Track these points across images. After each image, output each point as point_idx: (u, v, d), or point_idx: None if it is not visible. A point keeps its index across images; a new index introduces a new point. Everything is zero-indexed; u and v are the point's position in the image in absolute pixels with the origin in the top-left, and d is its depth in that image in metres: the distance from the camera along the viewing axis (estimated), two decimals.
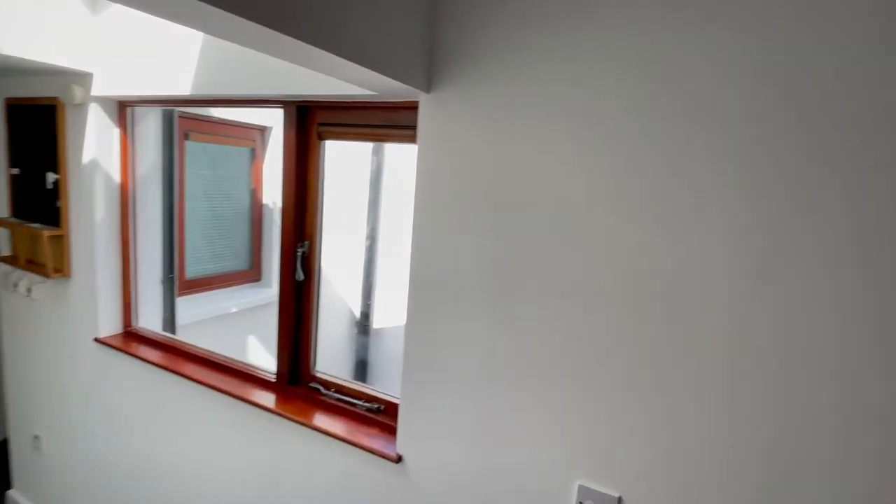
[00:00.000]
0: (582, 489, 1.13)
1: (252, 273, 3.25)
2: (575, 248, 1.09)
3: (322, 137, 1.58)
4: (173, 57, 1.67)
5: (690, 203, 0.98)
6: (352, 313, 4.18)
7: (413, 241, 1.30)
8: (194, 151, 2.80)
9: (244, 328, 3.13)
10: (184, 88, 1.66)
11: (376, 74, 1.02)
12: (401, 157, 3.87)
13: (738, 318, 0.96)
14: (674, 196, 0.99)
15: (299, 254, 1.67)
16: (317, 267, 1.70)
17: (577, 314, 1.10)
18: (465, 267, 1.23)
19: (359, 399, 1.63)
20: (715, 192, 0.96)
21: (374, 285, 4.24)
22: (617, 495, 1.10)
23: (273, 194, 3.25)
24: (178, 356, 2.01)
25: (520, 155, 1.13)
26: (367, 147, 3.88)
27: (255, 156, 3.14)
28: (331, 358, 3.71)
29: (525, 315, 1.16)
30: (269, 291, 3.28)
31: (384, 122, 1.43)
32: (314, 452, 1.58)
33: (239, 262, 3.18)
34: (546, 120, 1.09)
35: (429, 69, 1.21)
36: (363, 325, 4.21)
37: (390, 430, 1.51)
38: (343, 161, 3.37)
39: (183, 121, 2.60)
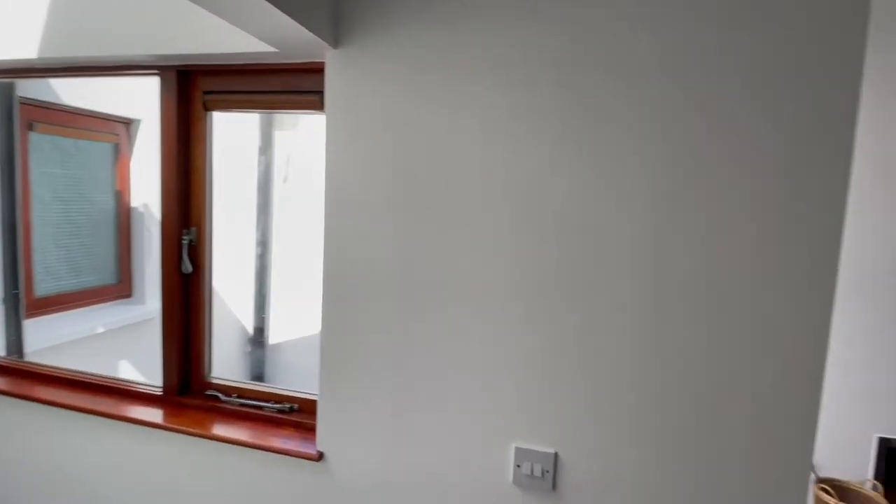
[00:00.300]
0: (519, 451, 1.10)
1: (121, 288, 2.83)
2: (494, 227, 1.07)
3: (209, 108, 1.40)
4: (11, 12, 1.39)
5: (612, 167, 1.01)
6: (244, 329, 3.84)
7: (326, 223, 1.19)
8: (41, 146, 2.37)
9: (115, 351, 2.70)
10: (27, 51, 1.38)
11: (277, 13, 0.92)
12: (295, 152, 3.66)
13: (650, 275, 1.00)
14: (591, 156, 1.01)
15: (185, 242, 1.46)
16: (207, 257, 1.51)
17: (496, 294, 1.08)
18: (381, 252, 1.15)
19: (267, 401, 1.46)
20: (633, 154, 0.99)
21: (268, 296, 3.94)
22: (553, 451, 1.09)
23: (145, 196, 2.87)
24: (31, 381, 1.66)
25: (440, 120, 1.09)
26: (253, 145, 3.61)
27: (120, 152, 2.75)
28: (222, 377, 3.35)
29: (443, 298, 1.12)
30: (143, 308, 2.88)
31: (285, 87, 1.31)
32: (219, 464, 1.38)
33: (104, 276, 2.75)
34: (468, 81, 1.07)
35: (336, 18, 1.12)
36: (258, 340, 3.89)
37: (308, 429, 1.37)
38: (227, 159, 3.09)
39: (26, 108, 2.19)
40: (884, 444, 2.75)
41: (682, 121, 0.96)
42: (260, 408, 1.45)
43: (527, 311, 1.08)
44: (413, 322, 1.15)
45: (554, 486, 1.10)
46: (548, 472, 1.09)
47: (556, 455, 1.09)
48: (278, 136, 3.83)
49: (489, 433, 1.13)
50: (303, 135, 3.69)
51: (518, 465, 1.11)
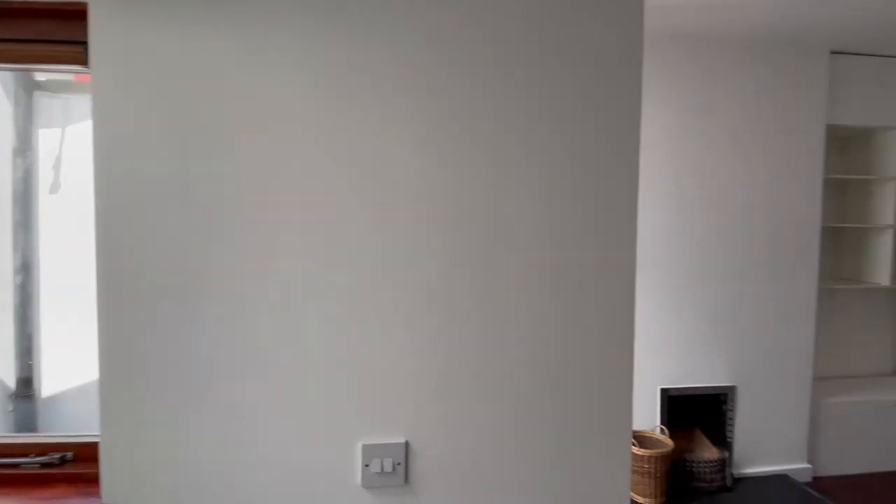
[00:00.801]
0: (366, 448, 1.00)
1: None
2: (315, 203, 0.96)
3: None
4: None
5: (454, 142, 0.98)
6: (2, 384, 2.97)
7: (98, 219, 0.93)
8: None
9: None
10: None
11: None
12: (67, 153, 2.98)
13: (486, 243, 1.00)
14: (434, 129, 0.97)
15: None
16: None
17: (320, 275, 0.97)
18: (176, 249, 0.94)
19: (25, 455, 1.10)
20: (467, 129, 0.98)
21: (36, 337, 3.12)
22: (403, 440, 1.01)
23: None
24: None
25: (256, 80, 0.93)
26: (5, 146, 2.83)
27: None
28: None
29: (258, 291, 0.96)
30: None
31: (34, 35, 1.00)
32: None
33: None
34: (299, 31, 0.93)
35: None
36: (24, 394, 3.04)
37: (89, 480, 1.06)
38: None
39: None
40: (665, 393, 3.33)
41: (514, 99, 0.99)
42: (16, 465, 1.08)
43: (355, 289, 0.98)
44: (221, 323, 0.96)
45: (406, 479, 1.02)
46: (399, 464, 1.01)
47: (406, 444, 1.01)
48: (42, 135, 3.09)
49: (330, 436, 1.00)
50: (78, 131, 3.03)
51: (366, 465, 1.00)
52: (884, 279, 3.58)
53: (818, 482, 3.42)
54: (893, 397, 3.62)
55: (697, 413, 3.44)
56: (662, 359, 3.30)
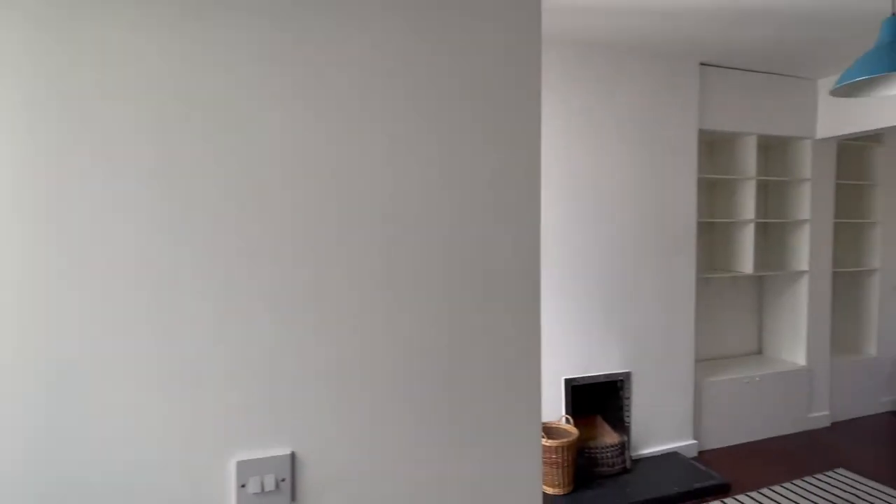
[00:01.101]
0: (242, 465, 0.84)
1: None
2: (179, 185, 0.80)
3: None
4: None
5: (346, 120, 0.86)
6: None
7: None
8: None
9: None
10: None
11: None
12: None
13: (379, 228, 0.90)
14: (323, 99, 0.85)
15: None
16: None
17: (171, 268, 0.81)
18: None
19: None
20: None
21: None
22: (289, 451, 0.87)
23: None
24: None
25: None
26: None
27: None
28: None
29: (83, 291, 0.78)
30: None
31: None
32: None
33: None
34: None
35: None
36: None
37: None
38: None
39: None
40: (569, 383, 3.43)
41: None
42: None
43: (217, 279, 0.83)
44: (35, 322, 0.76)
45: (293, 497, 0.87)
46: (283, 480, 0.86)
47: (292, 455, 0.87)
48: None
49: (195, 455, 0.82)
50: None
51: (243, 485, 0.84)
52: (747, 268, 4.01)
53: (703, 455, 3.72)
54: (758, 373, 4.06)
55: (597, 400, 3.59)
56: (563, 350, 3.40)
